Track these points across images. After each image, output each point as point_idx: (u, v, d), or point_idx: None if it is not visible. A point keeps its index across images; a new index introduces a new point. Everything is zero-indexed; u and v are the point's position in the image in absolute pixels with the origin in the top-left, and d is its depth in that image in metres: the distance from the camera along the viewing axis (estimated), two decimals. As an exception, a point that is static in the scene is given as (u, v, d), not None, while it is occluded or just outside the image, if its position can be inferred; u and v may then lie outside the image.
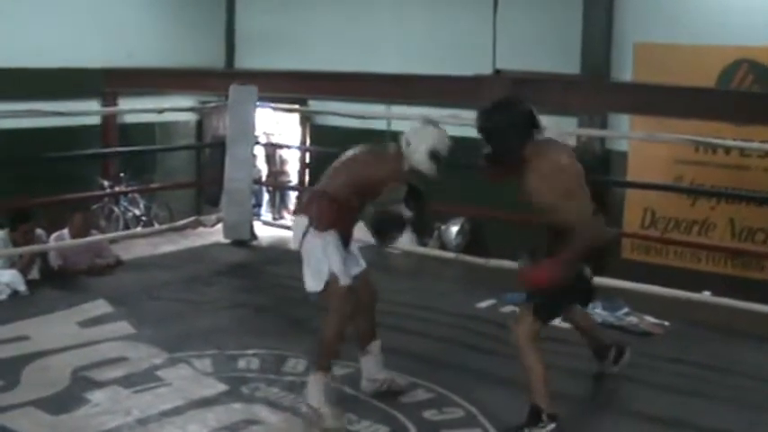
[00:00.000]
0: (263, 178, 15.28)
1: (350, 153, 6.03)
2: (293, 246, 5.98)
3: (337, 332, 5.70)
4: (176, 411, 5.66)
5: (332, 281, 5.66)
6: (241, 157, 10.23)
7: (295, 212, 6.24)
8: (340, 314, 5.68)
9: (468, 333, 7.50)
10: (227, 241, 10.46)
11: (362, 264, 6.05)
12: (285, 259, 9.88)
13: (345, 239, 5.90)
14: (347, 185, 5.79)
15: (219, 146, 10.65)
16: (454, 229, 12.31)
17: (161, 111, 12.49)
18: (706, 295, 8.48)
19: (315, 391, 5.57)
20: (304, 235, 5.78)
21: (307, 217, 5.81)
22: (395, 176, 5.69)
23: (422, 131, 5.74)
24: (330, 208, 5.78)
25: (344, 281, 5.67)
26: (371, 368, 6.02)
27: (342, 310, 5.68)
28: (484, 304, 8.31)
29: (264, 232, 11.40)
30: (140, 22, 13.90)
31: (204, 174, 13.40)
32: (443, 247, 12.15)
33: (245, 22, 15.19)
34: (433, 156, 5.68)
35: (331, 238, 5.74)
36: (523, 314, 5.47)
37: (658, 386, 6.34)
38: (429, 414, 5.76)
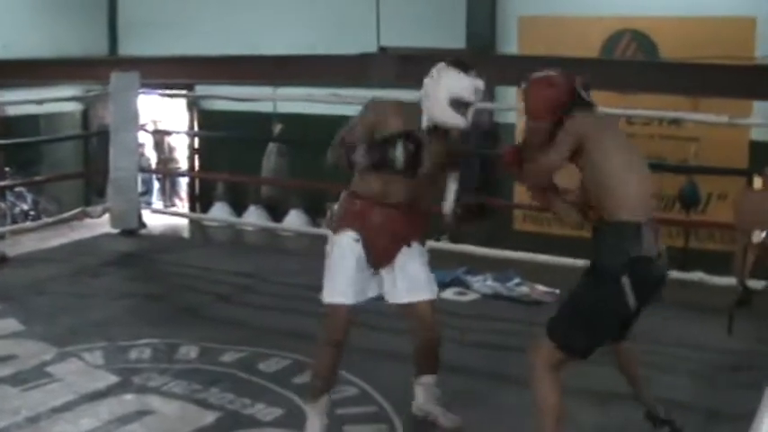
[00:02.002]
0: (153, 166, 15.09)
1: None
2: None
3: (323, 363, 5.01)
4: (67, 407, 5.56)
5: (323, 296, 4.98)
6: (126, 145, 10.11)
7: None
8: (324, 341, 5.00)
9: (359, 311, 7.51)
10: (116, 231, 10.32)
11: (421, 290, 5.08)
12: (175, 247, 9.86)
13: (378, 249, 4.97)
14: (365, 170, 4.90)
15: (104, 135, 10.50)
16: (346, 208, 12.30)
17: (40, 102, 12.22)
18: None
19: (310, 426, 5.04)
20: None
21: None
22: (380, 125, 4.86)
23: (439, 78, 4.79)
24: (346, 203, 5.02)
25: (333, 297, 4.93)
26: (420, 399, 5.35)
27: (326, 335, 5.00)
28: (375, 282, 8.35)
29: (155, 220, 11.29)
30: (15, 12, 13.57)
31: (91, 164, 13.22)
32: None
33: (127, 9, 14.93)
34: (456, 103, 4.74)
35: (344, 241, 4.92)
36: (543, 342, 4.54)
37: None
38: (323, 394, 5.77)
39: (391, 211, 4.89)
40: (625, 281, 4.22)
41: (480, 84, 4.78)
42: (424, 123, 4.85)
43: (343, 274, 4.86)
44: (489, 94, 11.70)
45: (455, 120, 4.78)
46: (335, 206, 5.15)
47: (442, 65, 4.81)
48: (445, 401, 5.34)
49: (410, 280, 5.01)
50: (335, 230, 4.96)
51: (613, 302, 4.30)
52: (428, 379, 5.30)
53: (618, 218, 4.32)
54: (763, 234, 2.21)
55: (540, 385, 4.45)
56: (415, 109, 4.90)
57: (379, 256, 4.95)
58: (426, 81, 4.82)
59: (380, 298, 5.13)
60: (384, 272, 5.02)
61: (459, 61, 4.82)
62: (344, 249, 4.88)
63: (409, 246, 5.03)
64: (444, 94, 4.72)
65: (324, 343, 4.98)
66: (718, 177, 10.11)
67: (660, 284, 4.42)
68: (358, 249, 4.88)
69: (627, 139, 4.75)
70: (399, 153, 4.68)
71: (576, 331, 4.40)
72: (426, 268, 5.10)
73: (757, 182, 2.60)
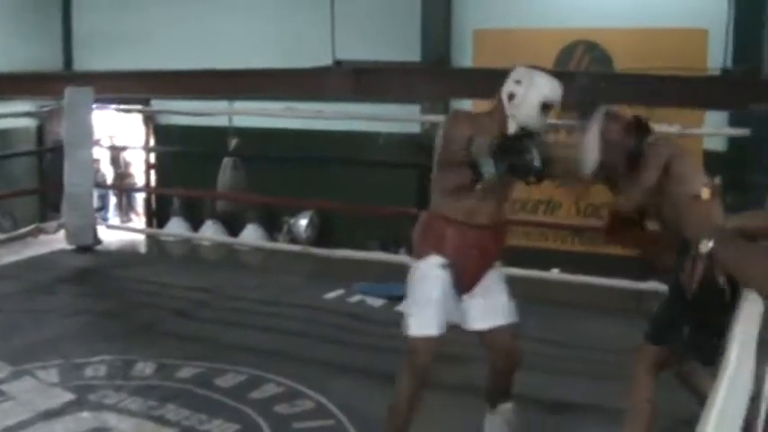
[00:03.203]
0: (109, 181, 15.00)
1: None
2: None
3: (405, 398, 4.63)
4: (21, 426, 5.48)
5: (407, 327, 4.61)
6: (80, 160, 10.05)
7: None
8: (408, 374, 4.62)
9: (316, 324, 7.55)
10: (71, 247, 10.25)
11: (502, 315, 4.77)
12: (131, 262, 9.81)
13: (465, 273, 4.66)
14: (437, 191, 4.68)
15: (59, 150, 10.44)
16: (303, 222, 12.29)
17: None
18: (554, 273, 8.67)
19: None
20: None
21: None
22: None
23: (531, 80, 4.56)
24: (430, 226, 4.69)
25: (419, 330, 4.58)
26: (496, 430, 5.02)
27: (411, 370, 4.61)
28: (331, 295, 8.38)
29: (111, 236, 11.22)
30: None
31: (46, 180, 13.13)
32: (293, 240, 12.13)
33: (82, 24, 14.84)
34: (545, 107, 4.55)
35: (430, 268, 4.60)
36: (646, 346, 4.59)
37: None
38: (280, 408, 5.76)
39: (481, 232, 4.62)
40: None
41: (559, 85, 4.60)
42: (512, 128, 4.56)
43: (431, 304, 4.54)
44: (445, 108, 11.78)
45: (542, 123, 4.61)
46: (416, 230, 4.75)
47: (525, 70, 4.62)
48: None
49: (492, 305, 4.74)
50: (420, 256, 4.65)
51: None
52: (508, 406, 5.00)
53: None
54: (710, 244, 2.23)
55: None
56: (493, 117, 4.66)
57: (467, 281, 4.66)
58: (512, 86, 4.58)
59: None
60: (466, 296, 4.72)
61: (538, 66, 4.68)
62: (431, 276, 4.57)
63: (491, 268, 4.79)
64: (537, 97, 4.52)
65: (408, 378, 4.62)
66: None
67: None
68: (445, 275, 4.57)
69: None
70: (535, 154, 4.30)
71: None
72: (506, 292, 4.83)
73: (705, 192, 2.64)
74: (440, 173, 4.68)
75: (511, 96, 4.56)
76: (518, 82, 4.56)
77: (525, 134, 4.49)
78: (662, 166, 4.50)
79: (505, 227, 4.89)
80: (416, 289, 4.61)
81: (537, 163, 4.28)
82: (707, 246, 2.36)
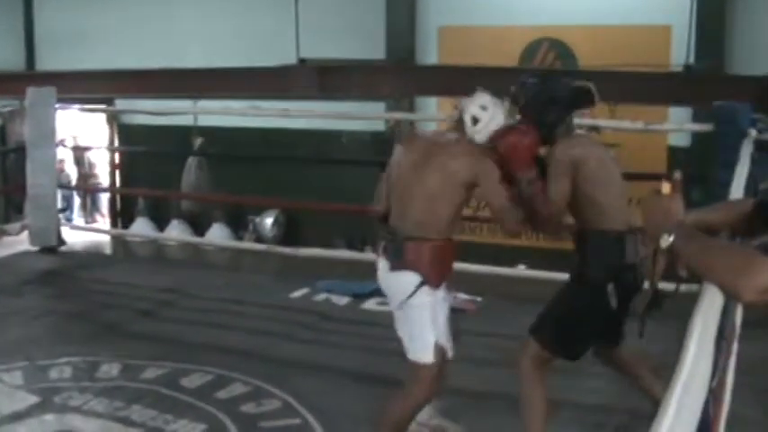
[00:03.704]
0: (73, 182, 14.93)
1: (402, 167, 4.74)
2: (392, 306, 4.77)
3: (407, 418, 4.72)
4: (-15, 428, 5.47)
5: (436, 353, 4.59)
6: (43, 161, 9.97)
7: (394, 267, 4.64)
8: (423, 395, 4.68)
9: (282, 323, 7.53)
10: (35, 249, 10.17)
11: None
12: (96, 263, 9.74)
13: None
14: (445, 216, 4.62)
15: (21, 151, 10.36)
16: (269, 220, 12.30)
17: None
18: (520, 269, 8.69)
19: None
20: (411, 295, 4.57)
21: (416, 272, 4.56)
22: (488, 170, 4.56)
23: (496, 112, 4.64)
24: (443, 251, 4.68)
25: (448, 354, 4.68)
26: (423, 414, 5.06)
27: (427, 391, 4.66)
28: (297, 294, 8.36)
29: (76, 237, 11.15)
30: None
31: (9, 181, 13.04)
32: (259, 239, 12.13)
33: (45, 23, 14.79)
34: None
35: (442, 295, 4.66)
36: (530, 341, 4.67)
37: (472, 360, 6.44)
38: (246, 408, 5.72)
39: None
40: (611, 288, 4.39)
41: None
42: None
43: (444, 329, 4.65)
44: (409, 105, 11.80)
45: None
46: (429, 254, 4.62)
47: (492, 99, 4.69)
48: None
49: None
50: (436, 284, 4.60)
51: (598, 308, 4.46)
52: None
53: (601, 227, 4.51)
54: (671, 238, 2.24)
55: (527, 383, 4.57)
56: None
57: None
58: (477, 111, 4.65)
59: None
60: None
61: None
62: (443, 303, 4.67)
63: None
64: (500, 124, 4.64)
65: (416, 400, 4.68)
66: (638, 183, 10.25)
67: (639, 290, 4.47)
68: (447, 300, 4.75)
69: (606, 151, 4.87)
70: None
71: (564, 334, 4.56)
72: None
73: (665, 186, 2.65)
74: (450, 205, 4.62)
75: (474, 120, 4.64)
76: (484, 108, 4.66)
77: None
78: (568, 174, 4.53)
79: None
80: (430, 316, 4.59)
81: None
82: (667, 240, 2.37)
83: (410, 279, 4.54)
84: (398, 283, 4.60)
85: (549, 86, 4.78)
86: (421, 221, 4.57)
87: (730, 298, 2.14)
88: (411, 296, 4.53)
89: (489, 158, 4.58)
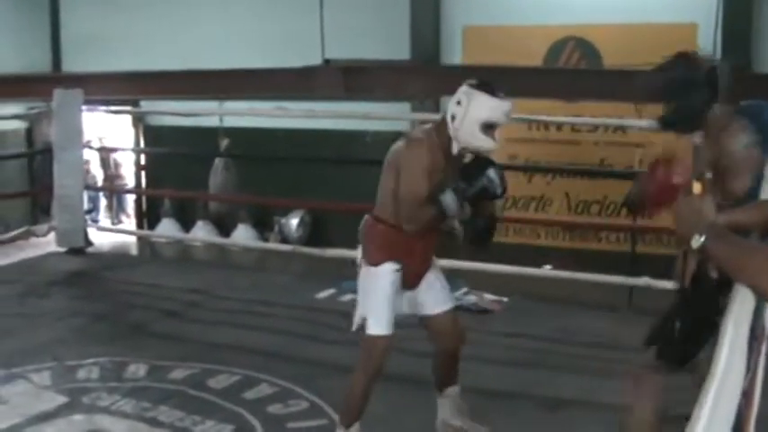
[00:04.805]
0: (99, 183, 14.99)
1: (390, 154, 4.90)
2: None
3: (361, 389, 4.91)
4: (14, 429, 5.46)
5: (365, 327, 4.88)
6: (70, 162, 10.03)
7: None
8: (365, 369, 4.90)
9: (308, 324, 7.56)
10: (62, 250, 10.22)
11: (446, 302, 5.09)
12: (123, 264, 9.79)
13: (412, 273, 4.92)
14: (391, 200, 4.81)
15: (48, 153, 10.42)
16: (294, 221, 12.30)
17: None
18: (546, 269, 8.68)
19: None
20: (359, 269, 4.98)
21: (361, 248, 4.97)
22: (434, 166, 4.67)
23: (470, 100, 4.57)
24: (380, 235, 4.90)
25: (378, 330, 4.82)
26: (447, 413, 5.24)
27: (367, 365, 4.88)
28: (323, 294, 8.38)
29: (102, 238, 11.21)
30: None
31: (36, 182, 13.11)
32: (285, 240, 12.13)
33: (71, 25, 14.81)
34: (488, 127, 4.60)
35: (386, 274, 4.82)
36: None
37: (498, 361, 6.47)
38: (274, 409, 5.75)
39: (426, 235, 4.85)
40: None
41: (508, 106, 4.63)
42: (455, 149, 4.69)
43: (388, 305, 4.82)
44: (435, 105, 11.78)
45: (487, 143, 4.65)
46: (367, 235, 4.94)
47: (467, 89, 4.61)
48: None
49: (434, 293, 5.03)
50: (375, 262, 4.84)
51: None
52: (454, 390, 5.23)
53: None
54: (702, 239, 2.23)
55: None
56: (441, 137, 4.73)
57: (413, 280, 4.95)
58: (453, 107, 4.62)
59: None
60: (411, 292, 5.02)
61: (484, 83, 4.64)
62: (387, 281, 4.82)
63: (431, 264, 5.09)
64: (477, 118, 4.56)
65: (363, 373, 4.89)
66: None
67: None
68: (397, 279, 4.84)
69: None
70: (497, 181, 4.64)
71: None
72: (444, 279, 5.14)
73: (696, 186, 2.63)
74: (394, 196, 4.78)
75: (452, 117, 4.63)
76: (458, 103, 4.62)
77: (475, 163, 4.69)
78: None
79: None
80: (372, 293, 4.86)
81: (498, 189, 4.63)
82: (698, 241, 2.36)
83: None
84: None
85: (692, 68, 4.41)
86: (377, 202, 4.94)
87: (762, 298, 2.13)
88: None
89: (427, 150, 4.65)
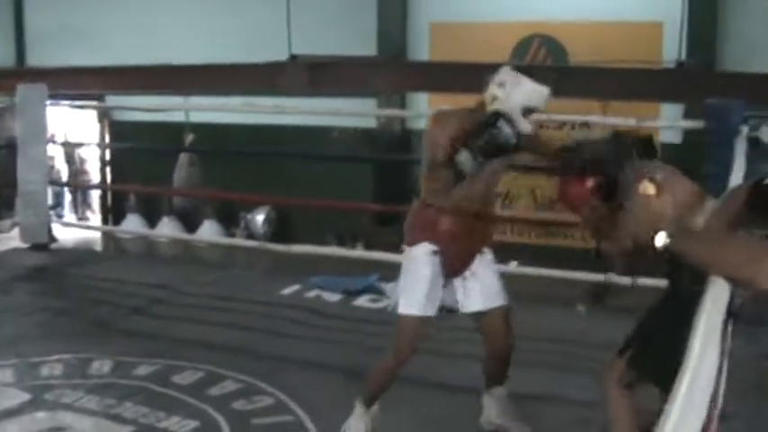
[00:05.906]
0: (64, 178, 14.88)
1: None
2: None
3: (387, 369, 4.94)
4: (-24, 426, 5.45)
5: (400, 307, 4.86)
6: (34, 157, 9.96)
7: None
8: (395, 350, 4.88)
9: (274, 320, 7.54)
10: (26, 245, 10.15)
11: (494, 298, 4.96)
12: (87, 260, 9.72)
13: (453, 258, 4.84)
14: (425, 179, 4.86)
15: (12, 148, 10.34)
16: (260, 217, 12.27)
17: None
18: (512, 266, 8.69)
19: (354, 427, 5.04)
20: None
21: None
22: (457, 135, 4.57)
23: (516, 84, 4.58)
24: (417, 215, 4.89)
25: (408, 309, 4.80)
26: (491, 412, 5.23)
27: (397, 345, 4.88)
28: (288, 290, 8.38)
29: (66, 234, 11.13)
30: None
31: (0, 178, 13.01)
32: (251, 236, 12.10)
33: (35, 20, 14.71)
34: (528, 112, 4.60)
35: (421, 254, 4.80)
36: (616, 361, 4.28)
37: (462, 356, 6.44)
38: (238, 405, 5.72)
39: (467, 219, 4.79)
40: None
41: (548, 92, 4.63)
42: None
43: (421, 286, 4.75)
44: (400, 101, 11.79)
45: (525, 127, 4.61)
46: (408, 217, 4.93)
47: (510, 72, 4.62)
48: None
49: (484, 288, 4.92)
50: (411, 243, 4.84)
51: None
52: (501, 390, 5.21)
53: None
54: (666, 238, 2.23)
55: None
56: (476, 117, 4.66)
57: (455, 266, 4.85)
58: (495, 89, 4.61)
59: (449, 310, 5.05)
60: (456, 282, 4.91)
61: (525, 68, 4.72)
62: (421, 262, 4.77)
63: (481, 253, 4.95)
64: (520, 102, 4.56)
65: (393, 353, 4.88)
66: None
67: None
68: (435, 261, 4.77)
69: None
70: (507, 129, 4.47)
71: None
72: (498, 276, 5.02)
73: (649, 188, 2.59)
74: (429, 174, 4.78)
75: (494, 99, 4.60)
76: (501, 85, 4.59)
77: (492, 115, 4.53)
78: None
79: (493, 213, 5.12)
80: (408, 273, 4.82)
81: (509, 137, 4.46)
82: (663, 240, 2.37)
83: None
84: None
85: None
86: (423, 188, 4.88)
87: (738, 288, 2.14)
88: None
89: (454, 120, 4.63)
